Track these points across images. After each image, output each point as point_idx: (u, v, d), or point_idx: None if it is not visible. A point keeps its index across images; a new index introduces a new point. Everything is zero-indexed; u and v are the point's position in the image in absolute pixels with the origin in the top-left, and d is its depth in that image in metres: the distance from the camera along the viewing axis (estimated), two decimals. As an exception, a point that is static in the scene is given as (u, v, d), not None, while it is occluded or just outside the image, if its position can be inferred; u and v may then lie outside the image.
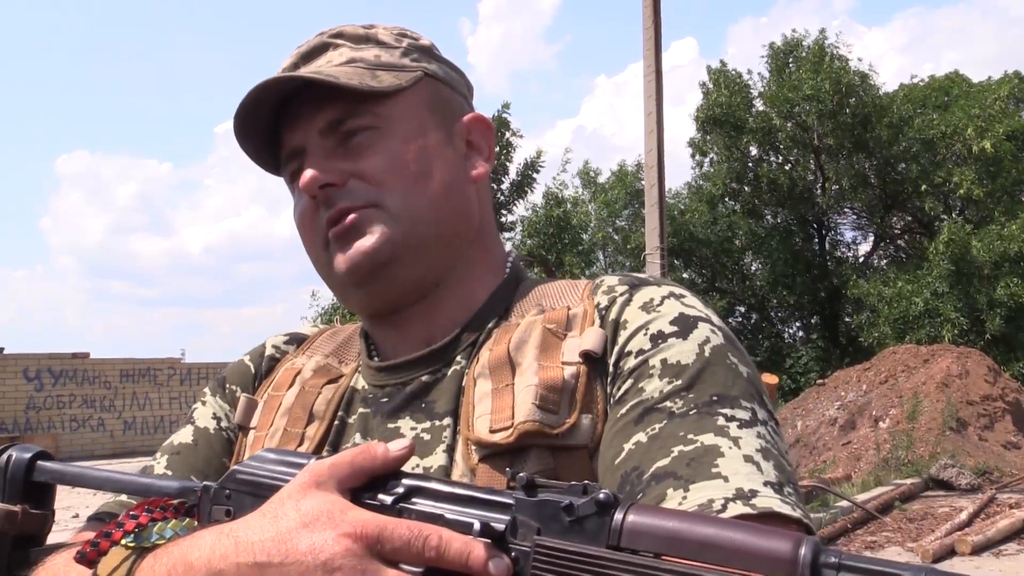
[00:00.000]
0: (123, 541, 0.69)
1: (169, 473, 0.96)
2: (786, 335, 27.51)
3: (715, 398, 0.77)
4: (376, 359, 0.96)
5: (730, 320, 26.62)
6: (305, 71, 0.92)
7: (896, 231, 27.24)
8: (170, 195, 67.24)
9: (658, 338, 0.81)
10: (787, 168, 25.61)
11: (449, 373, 0.90)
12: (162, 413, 19.55)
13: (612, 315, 0.85)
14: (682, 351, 0.80)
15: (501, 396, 0.82)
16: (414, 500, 0.65)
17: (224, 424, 1.01)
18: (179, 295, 59.14)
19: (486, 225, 0.97)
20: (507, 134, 18.36)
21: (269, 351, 1.06)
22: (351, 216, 0.89)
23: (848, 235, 31.69)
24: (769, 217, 26.55)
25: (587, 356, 0.83)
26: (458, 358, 0.90)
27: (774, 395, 10.23)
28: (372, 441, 0.68)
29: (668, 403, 0.77)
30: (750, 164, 25.73)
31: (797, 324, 27.68)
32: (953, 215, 24.09)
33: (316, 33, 0.97)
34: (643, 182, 13.76)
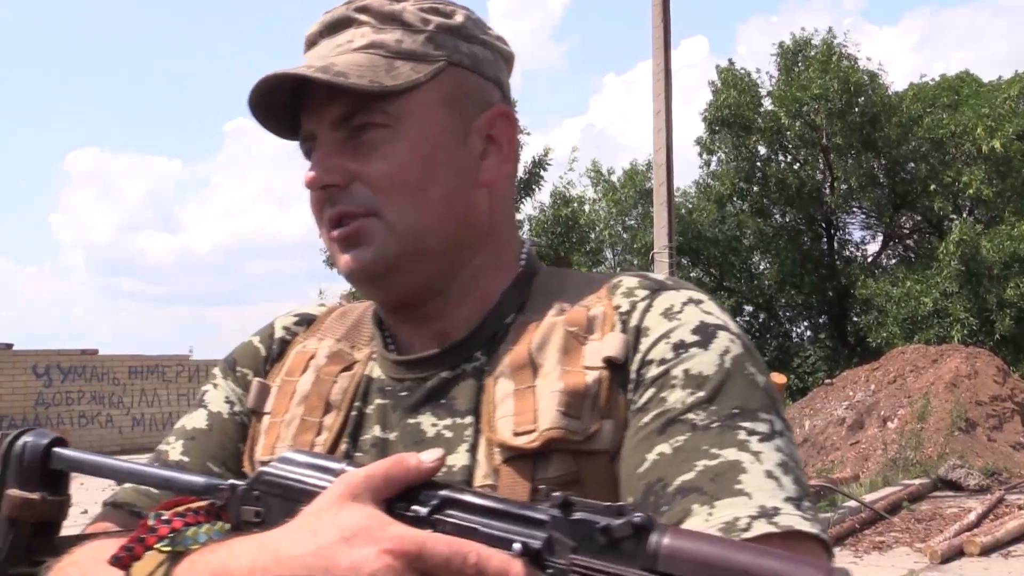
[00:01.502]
0: (158, 545, 0.69)
1: (185, 460, 0.96)
2: (794, 334, 27.43)
3: (736, 411, 0.78)
4: (392, 349, 0.95)
5: (738, 319, 26.55)
6: (318, 60, 0.89)
7: (905, 231, 27.13)
8: (179, 192, 67.32)
9: (680, 347, 0.82)
10: (795, 167, 25.51)
11: (469, 370, 0.89)
12: (170, 410, 19.59)
13: (633, 321, 0.86)
14: (703, 362, 0.81)
15: (523, 398, 0.83)
16: (448, 512, 0.65)
17: (237, 408, 0.99)
18: (187, 292, 59.34)
19: (499, 226, 0.95)
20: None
21: (279, 333, 1.04)
22: (351, 225, 0.88)
23: (857, 235, 31.56)
24: (777, 216, 26.46)
25: (609, 361, 0.83)
26: (477, 355, 0.90)
27: (782, 394, 10.21)
28: (406, 453, 0.68)
29: (691, 415, 0.78)
30: (758, 163, 25.65)
31: (805, 324, 27.61)
32: (963, 215, 23.99)
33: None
34: (652, 181, 13.73)
